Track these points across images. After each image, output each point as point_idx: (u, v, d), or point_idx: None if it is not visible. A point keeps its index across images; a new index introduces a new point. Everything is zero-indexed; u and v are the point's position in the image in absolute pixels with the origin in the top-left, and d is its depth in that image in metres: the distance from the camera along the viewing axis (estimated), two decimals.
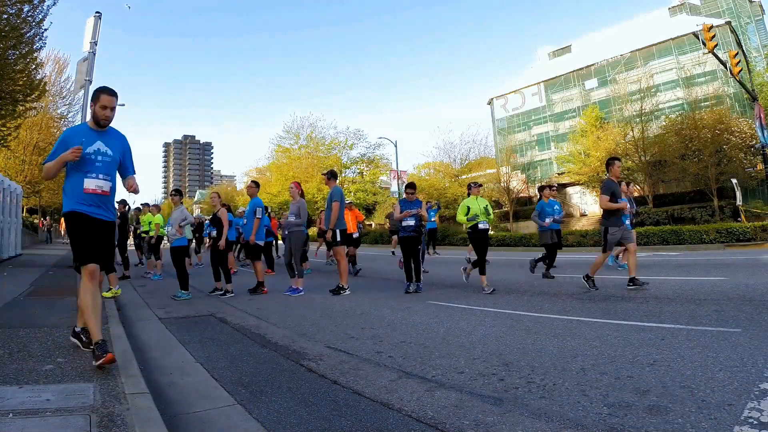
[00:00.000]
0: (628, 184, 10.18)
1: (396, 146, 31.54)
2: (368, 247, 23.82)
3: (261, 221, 7.96)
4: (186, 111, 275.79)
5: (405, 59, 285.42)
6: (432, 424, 2.32)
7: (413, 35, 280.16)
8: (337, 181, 7.67)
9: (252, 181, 8.43)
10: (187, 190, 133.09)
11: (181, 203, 7.95)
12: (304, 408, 2.61)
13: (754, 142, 21.14)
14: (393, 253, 14.89)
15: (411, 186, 7.62)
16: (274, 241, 13.44)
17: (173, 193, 8.09)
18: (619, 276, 7.83)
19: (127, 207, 11.32)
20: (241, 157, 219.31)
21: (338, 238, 7.33)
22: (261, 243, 8.28)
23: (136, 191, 3.55)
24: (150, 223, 11.55)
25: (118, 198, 8.79)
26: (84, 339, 3.41)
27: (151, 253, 11.55)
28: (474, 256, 7.77)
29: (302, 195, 7.83)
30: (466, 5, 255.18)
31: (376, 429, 2.30)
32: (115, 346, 3.75)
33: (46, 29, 12.20)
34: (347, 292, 7.23)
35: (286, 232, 7.76)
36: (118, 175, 3.53)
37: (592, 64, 35.31)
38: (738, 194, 17.30)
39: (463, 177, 35.43)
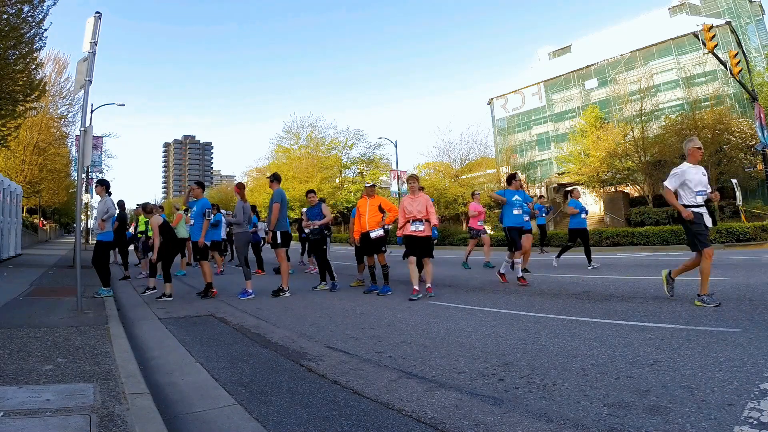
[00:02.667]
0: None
1: (396, 146, 31.58)
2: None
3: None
4: (186, 111, 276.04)
5: (405, 59, 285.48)
6: (432, 424, 2.31)
7: (413, 35, 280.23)
8: (280, 183, 7.85)
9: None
10: (186, 190, 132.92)
11: (107, 195, 7.64)
12: (304, 408, 2.61)
13: (754, 142, 21.13)
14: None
15: (311, 192, 8.56)
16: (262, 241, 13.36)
17: (97, 183, 7.86)
18: (618, 276, 7.83)
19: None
20: (241, 157, 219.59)
21: (278, 240, 7.45)
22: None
23: None
24: (147, 223, 11.54)
25: (116, 199, 8.80)
26: None
27: (146, 253, 11.51)
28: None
29: (243, 198, 8.10)
30: (465, 5, 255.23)
31: (376, 429, 2.29)
32: (115, 346, 3.76)
33: (46, 29, 12.21)
34: (287, 294, 7.30)
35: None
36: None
37: (592, 64, 35.32)
38: (738, 194, 17.28)
39: (463, 177, 35.42)
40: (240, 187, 8.29)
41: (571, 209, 9.39)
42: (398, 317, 5.23)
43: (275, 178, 7.81)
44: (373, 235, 7.41)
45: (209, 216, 7.79)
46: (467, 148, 36.54)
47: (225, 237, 13.65)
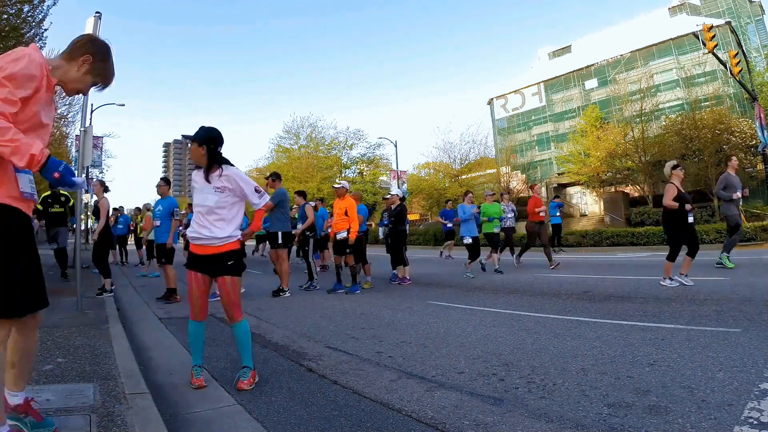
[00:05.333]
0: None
1: (396, 146, 31.51)
2: (368, 246, 23.77)
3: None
4: (186, 111, 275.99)
5: (405, 59, 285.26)
6: (432, 424, 2.32)
7: (413, 36, 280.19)
8: (281, 182, 7.78)
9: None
10: (187, 190, 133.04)
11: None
12: (304, 408, 2.61)
13: (754, 142, 21.13)
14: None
15: (299, 193, 8.63)
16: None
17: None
18: (618, 276, 7.83)
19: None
20: (241, 157, 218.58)
21: (279, 240, 7.44)
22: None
23: None
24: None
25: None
26: None
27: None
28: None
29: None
30: (465, 5, 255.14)
31: (376, 429, 2.30)
32: (115, 346, 3.76)
33: (46, 29, 12.19)
34: (287, 294, 7.30)
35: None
36: None
37: (592, 64, 35.31)
38: None
39: (463, 177, 35.40)
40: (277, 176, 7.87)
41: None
42: (398, 317, 5.23)
43: (276, 177, 7.70)
44: (338, 236, 7.54)
45: (178, 216, 7.58)
46: (467, 148, 36.48)
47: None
